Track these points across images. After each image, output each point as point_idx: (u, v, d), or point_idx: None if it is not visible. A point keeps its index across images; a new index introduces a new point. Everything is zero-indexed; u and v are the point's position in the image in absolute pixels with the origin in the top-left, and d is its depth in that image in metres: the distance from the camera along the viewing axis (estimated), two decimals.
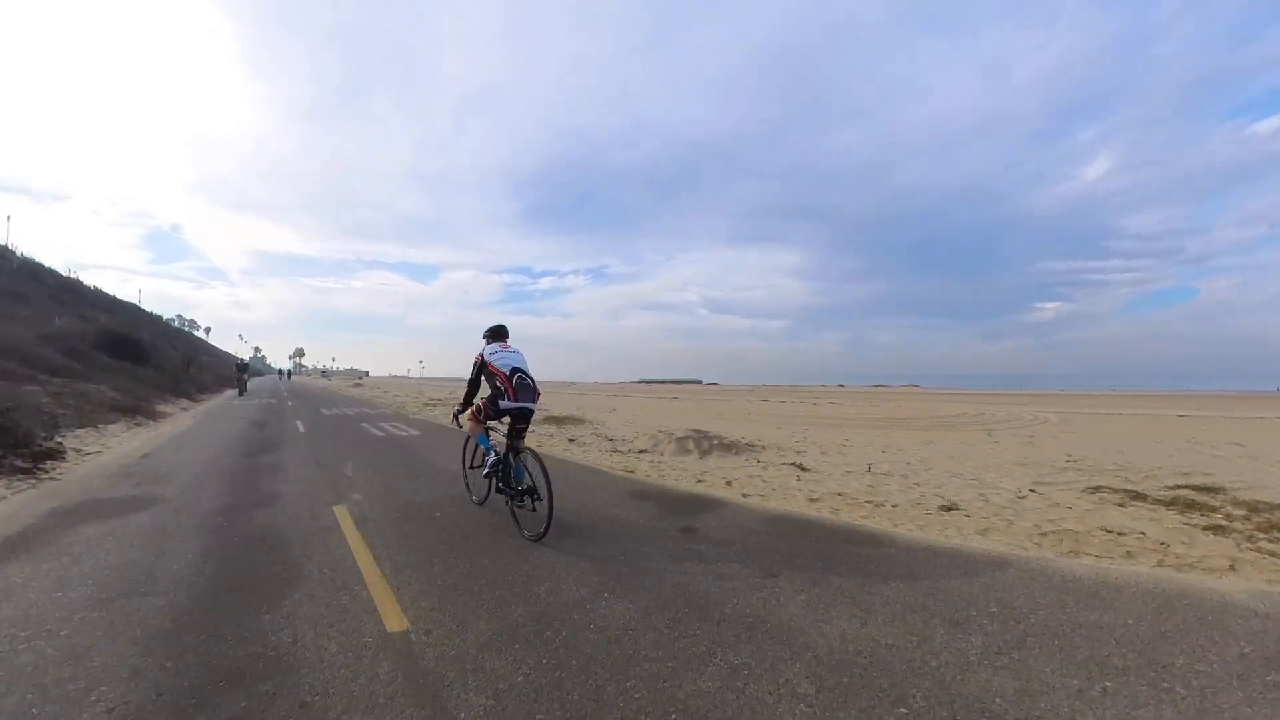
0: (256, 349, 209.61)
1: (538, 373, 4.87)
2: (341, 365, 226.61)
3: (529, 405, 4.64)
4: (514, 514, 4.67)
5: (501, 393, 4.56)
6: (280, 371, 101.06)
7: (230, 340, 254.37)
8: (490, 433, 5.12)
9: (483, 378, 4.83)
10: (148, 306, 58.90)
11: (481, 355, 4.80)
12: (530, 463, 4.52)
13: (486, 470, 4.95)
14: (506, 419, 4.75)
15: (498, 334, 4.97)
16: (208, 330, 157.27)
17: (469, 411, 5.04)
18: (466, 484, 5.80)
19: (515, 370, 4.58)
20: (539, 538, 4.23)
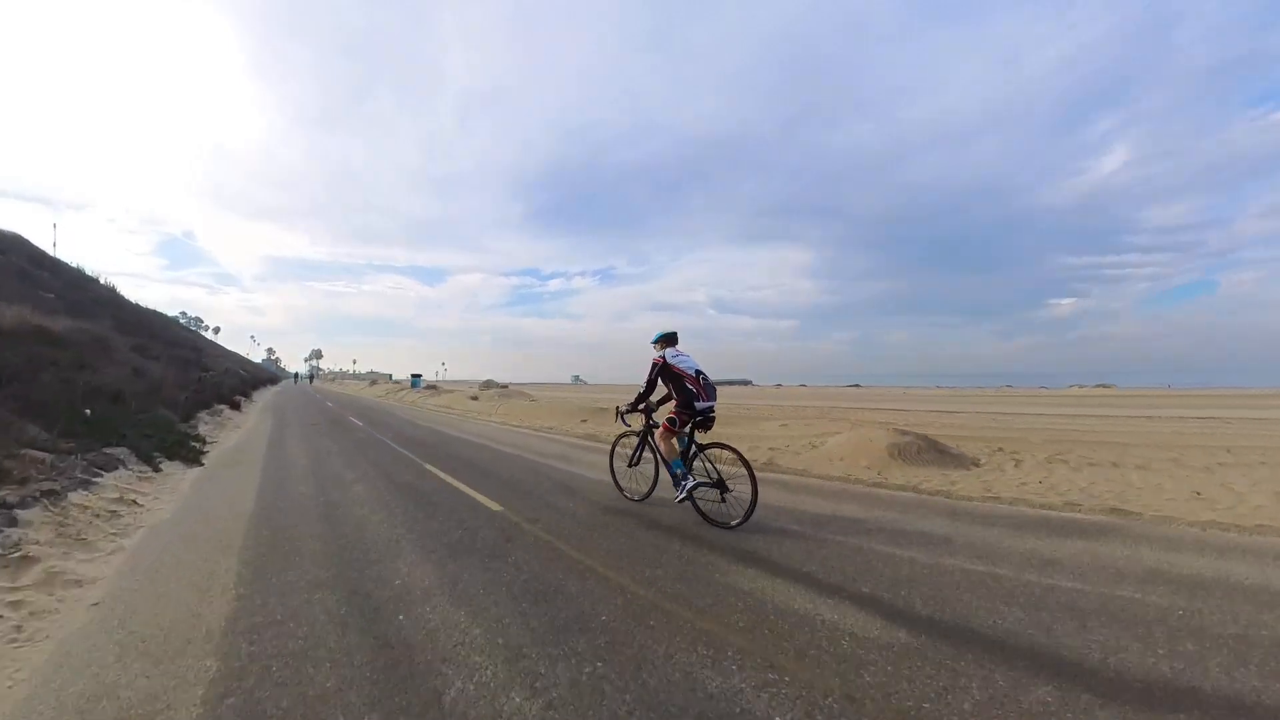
0: (270, 350, 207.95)
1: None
2: (361, 368, 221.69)
3: (714, 403, 5.21)
4: (698, 509, 4.99)
5: (694, 394, 5.06)
6: (296, 375, 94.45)
7: (243, 343, 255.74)
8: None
9: (659, 380, 5.33)
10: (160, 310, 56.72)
11: (662, 358, 5.23)
12: (720, 456, 4.99)
13: (687, 489, 5.02)
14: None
15: (671, 339, 5.41)
16: (216, 330, 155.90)
17: (663, 427, 5.27)
18: (616, 483, 6.04)
19: (699, 372, 5.14)
20: (740, 523, 4.57)
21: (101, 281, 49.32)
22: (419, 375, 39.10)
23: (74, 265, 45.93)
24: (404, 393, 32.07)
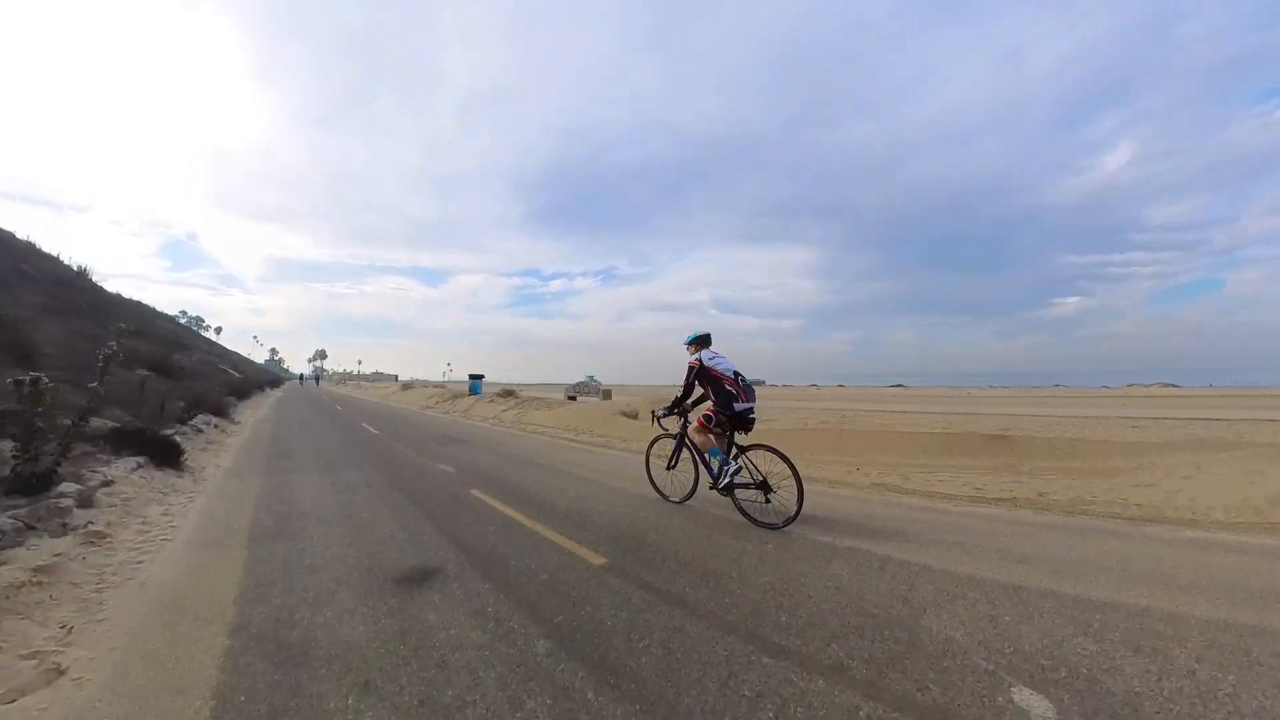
0: (273, 351, 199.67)
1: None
2: (366, 369, 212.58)
3: (754, 404, 5.08)
4: (742, 510, 4.87)
5: (733, 395, 4.94)
6: (301, 377, 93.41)
7: (246, 344, 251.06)
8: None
9: (696, 383, 5.24)
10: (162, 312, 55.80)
11: (699, 361, 5.12)
12: (760, 458, 4.90)
13: (725, 481, 4.97)
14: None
15: (705, 341, 5.28)
16: (218, 330, 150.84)
17: (698, 423, 5.25)
18: (654, 485, 5.96)
19: (737, 374, 5.02)
20: (788, 523, 4.53)
21: (64, 261, 40.66)
22: (480, 376, 27.38)
23: (22, 237, 36.72)
24: (462, 400, 21.76)
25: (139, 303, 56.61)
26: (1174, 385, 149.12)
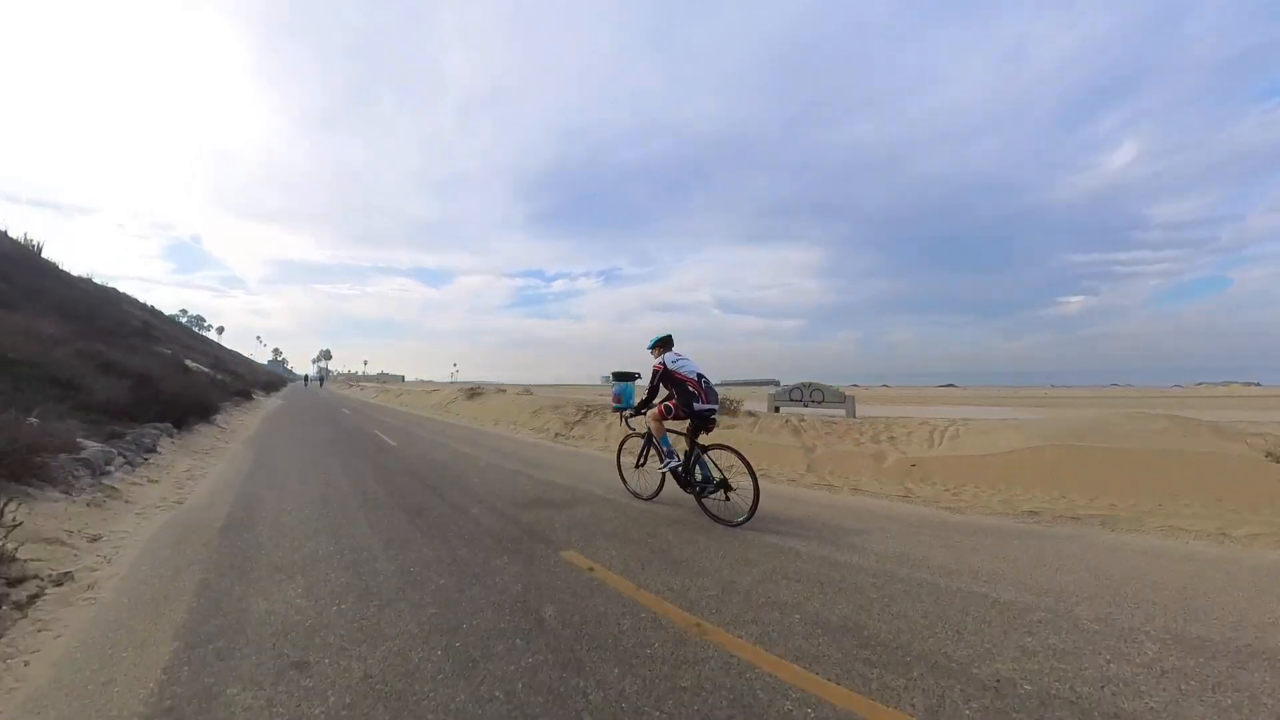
0: (277, 351, 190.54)
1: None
2: (371, 370, 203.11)
3: (716, 406, 5.38)
4: (704, 507, 5.24)
5: (695, 396, 5.21)
6: (306, 378, 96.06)
7: (248, 343, 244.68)
8: (669, 433, 5.66)
9: (660, 385, 5.51)
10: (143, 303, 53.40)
11: (663, 363, 5.42)
12: (720, 458, 5.20)
13: (670, 466, 5.44)
14: (684, 421, 5.41)
15: (668, 343, 5.66)
16: (220, 330, 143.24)
17: (655, 410, 5.52)
18: (625, 482, 6.33)
19: (700, 375, 5.31)
20: (744, 521, 4.80)
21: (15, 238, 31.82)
22: (633, 376, 13.18)
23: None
24: (617, 426, 9.90)
25: (113, 289, 46.98)
26: (1255, 384, 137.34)
